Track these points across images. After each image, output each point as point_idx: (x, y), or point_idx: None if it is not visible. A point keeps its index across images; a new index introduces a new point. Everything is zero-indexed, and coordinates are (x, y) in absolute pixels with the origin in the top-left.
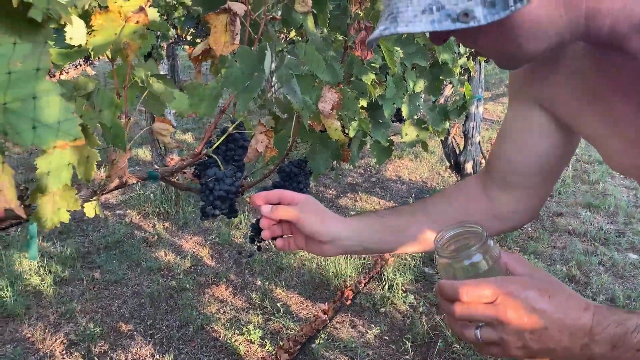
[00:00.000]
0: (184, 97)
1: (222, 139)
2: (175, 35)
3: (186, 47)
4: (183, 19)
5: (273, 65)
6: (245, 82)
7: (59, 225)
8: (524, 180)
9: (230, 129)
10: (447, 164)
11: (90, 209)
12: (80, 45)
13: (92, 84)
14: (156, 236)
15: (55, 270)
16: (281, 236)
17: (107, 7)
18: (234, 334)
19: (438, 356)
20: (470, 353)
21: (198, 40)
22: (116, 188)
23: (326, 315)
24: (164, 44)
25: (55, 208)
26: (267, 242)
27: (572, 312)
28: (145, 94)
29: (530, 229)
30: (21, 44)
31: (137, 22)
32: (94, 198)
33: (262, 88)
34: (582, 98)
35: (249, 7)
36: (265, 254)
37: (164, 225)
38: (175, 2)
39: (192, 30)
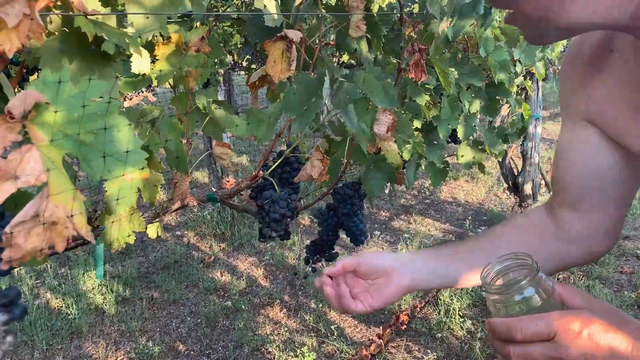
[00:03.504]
0: (243, 122)
1: (278, 162)
2: (232, 62)
3: (242, 72)
4: (240, 46)
5: (329, 91)
6: (303, 106)
7: (124, 246)
8: (585, 201)
9: (287, 152)
10: (505, 185)
11: (153, 231)
12: (144, 75)
13: (156, 111)
14: (213, 257)
15: (117, 289)
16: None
17: (169, 37)
18: (289, 356)
19: None
20: None
21: (254, 66)
22: (177, 209)
23: (381, 340)
24: (221, 70)
25: (122, 230)
26: (321, 263)
27: None
28: (206, 119)
29: None
30: (95, 79)
31: (198, 51)
32: (156, 220)
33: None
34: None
35: (304, 33)
36: (319, 275)
37: (220, 246)
38: (232, 30)
39: (248, 56)
